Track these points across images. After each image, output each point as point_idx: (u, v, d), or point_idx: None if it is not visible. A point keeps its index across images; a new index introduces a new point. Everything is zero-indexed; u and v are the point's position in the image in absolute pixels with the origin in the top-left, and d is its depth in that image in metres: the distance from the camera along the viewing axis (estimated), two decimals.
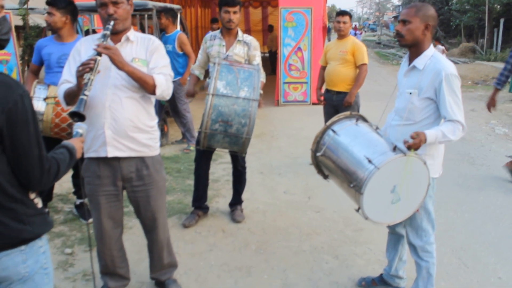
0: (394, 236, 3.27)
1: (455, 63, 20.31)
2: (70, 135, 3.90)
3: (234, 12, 4.21)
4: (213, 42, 4.38)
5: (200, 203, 4.49)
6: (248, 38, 4.36)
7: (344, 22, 5.60)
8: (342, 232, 4.25)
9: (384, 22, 62.19)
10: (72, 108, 2.37)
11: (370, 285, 3.41)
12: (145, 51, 2.86)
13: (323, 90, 5.97)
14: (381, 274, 3.41)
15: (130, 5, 2.82)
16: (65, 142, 2.09)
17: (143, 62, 2.82)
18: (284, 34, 9.92)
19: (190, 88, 4.67)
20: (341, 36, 5.71)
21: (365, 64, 5.58)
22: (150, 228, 3.13)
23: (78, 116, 2.32)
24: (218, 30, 4.41)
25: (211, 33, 4.55)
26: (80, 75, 2.49)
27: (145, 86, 2.73)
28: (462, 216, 4.64)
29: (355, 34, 19.99)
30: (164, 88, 2.80)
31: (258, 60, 4.32)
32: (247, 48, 4.30)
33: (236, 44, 4.30)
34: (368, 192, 2.63)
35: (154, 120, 2.99)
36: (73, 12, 4.21)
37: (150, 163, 2.96)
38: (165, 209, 3.16)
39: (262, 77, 4.23)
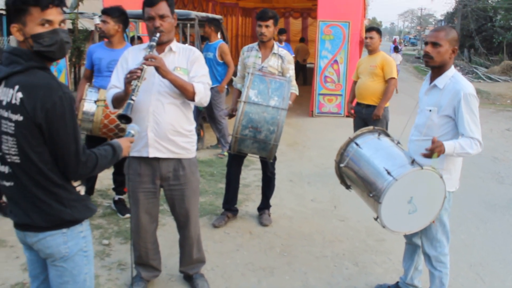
0: (411, 246, 3.44)
1: (495, 81, 20.00)
2: (117, 135, 4.24)
3: (267, 26, 4.46)
4: (250, 53, 4.65)
5: (230, 205, 4.74)
6: (283, 51, 4.60)
7: (371, 38, 5.81)
8: (364, 241, 4.42)
9: (425, 36, 61.31)
10: (120, 111, 2.67)
11: None
12: (186, 61, 3.13)
13: (354, 104, 6.18)
14: (397, 282, 3.57)
15: (174, 19, 3.09)
16: (113, 140, 2.34)
17: (184, 71, 3.10)
18: (321, 47, 10.13)
19: (234, 105, 4.84)
20: (370, 51, 5.90)
21: (394, 78, 5.76)
22: (183, 225, 3.39)
23: (125, 119, 2.62)
24: (256, 43, 4.68)
25: (249, 45, 4.82)
26: (128, 81, 2.78)
27: (185, 93, 3.01)
28: (484, 233, 4.73)
29: (395, 49, 19.77)
30: (203, 95, 3.06)
31: (291, 73, 4.55)
32: (281, 61, 4.53)
33: (271, 57, 4.55)
34: (386, 202, 2.83)
35: (193, 125, 3.26)
36: (125, 21, 4.59)
37: (187, 164, 3.23)
38: (197, 208, 3.42)
39: (295, 89, 4.48)
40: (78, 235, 2.18)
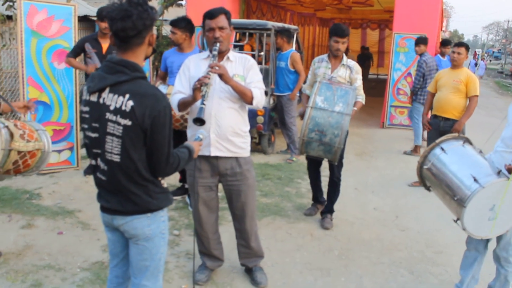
0: (472, 254, 3.53)
1: None
2: (182, 125, 4.67)
3: (343, 43, 4.74)
4: (320, 64, 4.93)
5: (317, 198, 5.25)
6: (352, 63, 4.84)
7: (459, 53, 5.83)
8: (422, 251, 4.49)
9: (510, 50, 58.37)
10: (195, 115, 2.99)
11: None
12: (243, 68, 3.43)
13: (429, 116, 6.22)
14: None
15: (231, 30, 3.39)
16: (188, 143, 2.67)
17: (241, 77, 3.39)
18: (395, 59, 10.12)
19: (302, 109, 5.16)
20: (455, 66, 5.93)
21: (477, 96, 5.77)
22: (239, 218, 3.66)
23: (200, 121, 2.94)
24: (326, 54, 4.94)
25: (320, 56, 5.10)
26: (197, 88, 3.10)
27: (244, 97, 3.30)
28: None
29: (476, 65, 19.08)
30: (259, 99, 3.35)
31: (359, 82, 4.76)
32: (350, 71, 4.77)
33: (340, 67, 4.80)
34: (470, 207, 3.05)
35: (248, 126, 3.54)
36: (191, 29, 5.14)
37: (243, 162, 3.51)
38: (254, 203, 3.67)
39: (361, 98, 4.71)
40: (159, 219, 2.49)
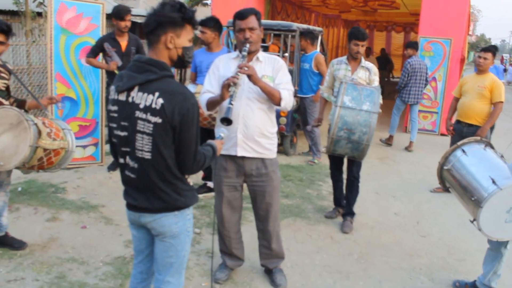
0: (494, 252, 3.55)
1: None
2: (210, 124, 4.77)
3: (362, 46, 4.83)
4: (339, 66, 5.00)
5: (338, 201, 5.22)
6: (370, 65, 4.93)
7: (485, 58, 5.77)
8: (443, 258, 4.46)
9: None
10: (223, 115, 3.03)
11: (463, 287, 3.77)
12: (272, 69, 3.44)
13: (453, 121, 6.16)
14: (475, 281, 3.71)
15: (261, 31, 3.41)
16: (211, 141, 2.71)
17: (270, 78, 3.40)
18: None
19: (320, 115, 5.38)
20: (480, 71, 5.86)
21: (502, 102, 5.71)
22: (263, 219, 3.68)
23: (227, 121, 2.97)
24: (345, 56, 5.02)
25: (338, 58, 5.18)
26: (225, 88, 3.13)
27: (273, 99, 3.32)
28: None
29: (505, 70, 18.73)
30: (287, 101, 3.36)
31: (376, 83, 4.83)
32: (369, 73, 4.87)
33: (360, 69, 4.89)
34: (486, 207, 3.09)
35: (275, 128, 3.56)
36: (219, 29, 5.22)
37: (269, 163, 3.53)
38: (278, 204, 3.69)
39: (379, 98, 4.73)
40: (186, 217, 2.54)
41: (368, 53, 14.59)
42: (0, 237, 4.06)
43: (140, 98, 2.32)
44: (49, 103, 4.09)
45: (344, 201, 5.22)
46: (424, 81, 8.73)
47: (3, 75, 3.80)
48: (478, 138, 3.58)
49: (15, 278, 3.64)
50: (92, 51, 5.77)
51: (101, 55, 5.91)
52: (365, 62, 4.92)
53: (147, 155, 2.35)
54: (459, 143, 3.50)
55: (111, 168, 6.13)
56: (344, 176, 5.17)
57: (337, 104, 4.38)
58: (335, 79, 5.04)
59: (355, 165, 4.91)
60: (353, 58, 4.91)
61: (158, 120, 2.29)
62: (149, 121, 2.31)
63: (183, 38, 2.38)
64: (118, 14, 5.72)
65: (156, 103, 2.28)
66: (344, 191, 5.16)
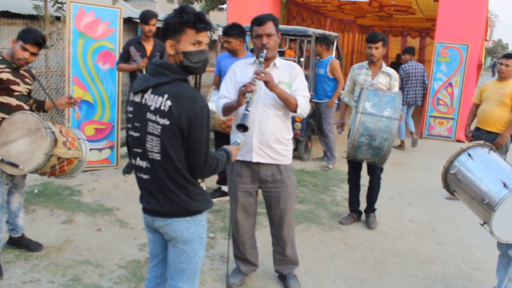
0: (505, 258, 3.53)
1: None
2: (226, 128, 4.80)
3: (376, 48, 4.83)
4: (360, 71, 5.01)
5: (354, 207, 5.23)
6: (390, 70, 4.93)
7: (507, 65, 5.70)
8: (459, 267, 4.41)
9: None
10: (239, 121, 3.03)
11: None
12: (289, 75, 3.43)
13: (472, 127, 6.10)
14: None
15: (279, 37, 3.40)
16: (226, 146, 2.71)
17: (287, 85, 3.40)
18: (436, 68, 9.95)
19: (342, 119, 5.46)
20: (502, 78, 5.81)
21: None
22: (277, 225, 3.67)
23: (243, 128, 2.97)
24: (366, 62, 5.03)
25: (359, 63, 5.20)
26: (242, 94, 3.14)
27: (289, 105, 3.31)
28: None
29: None
30: (304, 107, 3.35)
31: (396, 89, 4.85)
32: (389, 78, 4.88)
33: (380, 74, 4.90)
34: (499, 211, 3.10)
35: (291, 134, 3.56)
36: (243, 34, 5.24)
37: (284, 170, 3.52)
38: (292, 210, 3.68)
39: None
40: (198, 223, 2.53)
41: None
42: (17, 238, 4.11)
43: (151, 100, 2.35)
44: (68, 102, 4.10)
45: (359, 209, 5.26)
46: (421, 83, 9.04)
47: (27, 80, 3.86)
48: (481, 142, 3.60)
49: (30, 280, 3.67)
50: (121, 57, 5.85)
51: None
52: (385, 68, 4.94)
53: (157, 156, 2.37)
54: (463, 147, 3.52)
55: (126, 171, 6.17)
56: (362, 181, 5.20)
57: (358, 110, 4.40)
58: (355, 84, 5.07)
59: (377, 169, 4.98)
60: (373, 63, 4.94)
61: (166, 122, 2.31)
62: (158, 123, 2.33)
63: (184, 43, 2.34)
64: (143, 18, 5.78)
65: (164, 105, 2.30)
66: (361, 195, 5.21)
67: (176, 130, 2.31)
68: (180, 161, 2.37)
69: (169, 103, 2.30)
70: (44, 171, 3.66)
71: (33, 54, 3.73)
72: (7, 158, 3.52)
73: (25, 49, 3.68)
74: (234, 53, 5.26)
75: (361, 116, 4.36)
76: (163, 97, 2.32)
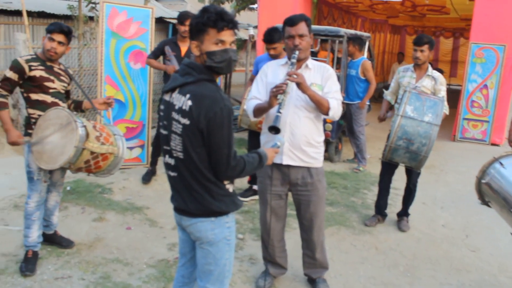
0: None
1: None
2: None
3: (421, 51, 4.76)
4: (405, 74, 4.97)
5: (380, 209, 5.16)
6: (436, 74, 4.86)
7: None
8: (495, 276, 4.27)
9: None
10: (270, 122, 2.99)
11: None
12: (321, 77, 3.38)
13: None
14: None
15: (311, 38, 3.35)
16: (260, 149, 2.67)
17: (319, 87, 3.35)
18: (471, 70, 9.70)
19: (382, 113, 5.40)
20: None
21: None
22: (307, 228, 3.62)
23: (275, 129, 2.93)
24: (412, 64, 4.98)
25: (405, 65, 5.16)
26: (274, 95, 3.10)
27: (321, 107, 3.26)
28: None
29: None
30: (336, 110, 3.29)
31: (443, 93, 4.77)
32: (434, 82, 4.80)
33: (425, 78, 4.83)
34: None
35: (322, 137, 3.50)
36: (282, 37, 5.16)
37: (314, 173, 3.47)
38: (323, 214, 3.62)
39: (445, 109, 4.73)
40: (224, 224, 2.51)
41: (401, 59, 14.10)
42: (50, 235, 4.17)
43: (177, 99, 2.37)
44: (105, 102, 4.12)
45: (385, 212, 5.22)
46: None
47: (62, 78, 3.91)
48: None
49: (62, 276, 3.73)
50: (152, 53, 5.87)
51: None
52: (432, 71, 4.87)
53: (180, 155, 2.39)
54: (496, 156, 3.45)
55: (146, 179, 5.95)
56: (393, 184, 5.15)
57: (398, 113, 4.38)
58: (400, 86, 5.02)
59: (414, 173, 4.92)
60: (418, 66, 4.88)
61: (186, 121, 2.32)
62: (179, 122, 2.34)
63: (207, 43, 2.33)
64: (179, 19, 5.80)
65: (186, 105, 2.31)
66: (390, 198, 5.14)
67: (195, 130, 2.31)
68: (202, 161, 2.36)
69: (189, 103, 2.30)
70: (78, 167, 3.68)
71: (60, 43, 3.77)
72: (42, 154, 3.57)
73: (51, 40, 3.74)
74: (276, 56, 5.15)
75: (401, 119, 4.34)
76: (185, 96, 2.33)
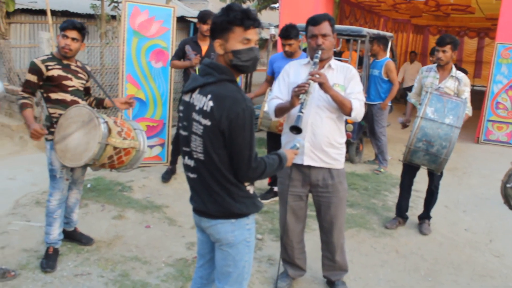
0: None
1: None
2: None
3: (444, 51, 4.68)
4: (428, 74, 4.89)
5: (401, 212, 5.08)
6: (461, 75, 4.78)
7: None
8: None
9: None
10: (292, 123, 2.95)
11: None
12: (344, 78, 3.33)
13: None
14: None
15: (334, 38, 3.31)
16: (280, 151, 2.64)
17: (342, 87, 3.30)
18: (496, 70, 9.51)
19: (407, 117, 5.32)
20: None
21: None
22: (327, 230, 3.58)
23: (296, 130, 2.90)
24: (435, 64, 4.88)
25: (428, 65, 5.07)
26: (296, 95, 3.06)
27: (343, 108, 3.21)
28: None
29: None
30: (358, 111, 3.24)
31: (466, 95, 4.68)
32: (458, 83, 4.72)
33: (449, 79, 4.76)
34: None
35: (344, 138, 3.45)
36: (298, 35, 5.19)
37: (335, 174, 3.42)
38: (343, 216, 3.58)
39: (468, 110, 4.63)
40: (244, 226, 2.48)
41: (413, 58, 13.85)
42: (70, 232, 4.20)
43: (197, 100, 2.34)
44: (126, 102, 4.13)
45: (406, 215, 5.14)
46: None
47: (80, 75, 3.93)
48: None
49: (81, 273, 3.75)
50: (175, 55, 5.87)
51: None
52: (456, 72, 4.79)
53: (201, 156, 2.36)
54: None
55: (165, 177, 5.99)
56: (415, 186, 5.08)
57: (418, 115, 4.32)
58: (423, 87, 4.95)
59: (436, 175, 4.85)
60: (441, 66, 4.81)
61: (207, 122, 2.29)
62: (200, 123, 2.32)
63: (232, 41, 2.30)
64: (201, 18, 5.78)
65: (207, 106, 2.29)
66: (412, 200, 5.07)
67: (217, 132, 2.28)
68: (222, 163, 2.34)
69: (211, 103, 2.28)
70: (102, 163, 3.69)
71: (74, 39, 3.78)
72: (65, 152, 3.60)
73: (65, 37, 3.76)
74: (290, 55, 5.18)
75: (421, 121, 4.28)
76: (206, 97, 2.30)
